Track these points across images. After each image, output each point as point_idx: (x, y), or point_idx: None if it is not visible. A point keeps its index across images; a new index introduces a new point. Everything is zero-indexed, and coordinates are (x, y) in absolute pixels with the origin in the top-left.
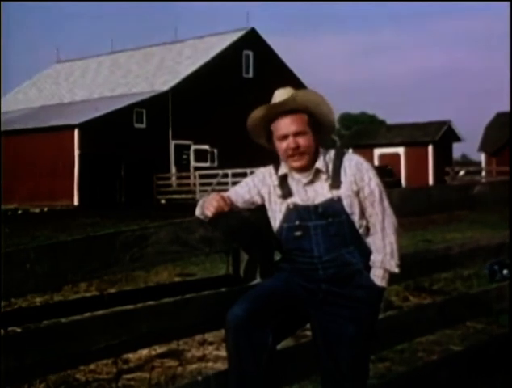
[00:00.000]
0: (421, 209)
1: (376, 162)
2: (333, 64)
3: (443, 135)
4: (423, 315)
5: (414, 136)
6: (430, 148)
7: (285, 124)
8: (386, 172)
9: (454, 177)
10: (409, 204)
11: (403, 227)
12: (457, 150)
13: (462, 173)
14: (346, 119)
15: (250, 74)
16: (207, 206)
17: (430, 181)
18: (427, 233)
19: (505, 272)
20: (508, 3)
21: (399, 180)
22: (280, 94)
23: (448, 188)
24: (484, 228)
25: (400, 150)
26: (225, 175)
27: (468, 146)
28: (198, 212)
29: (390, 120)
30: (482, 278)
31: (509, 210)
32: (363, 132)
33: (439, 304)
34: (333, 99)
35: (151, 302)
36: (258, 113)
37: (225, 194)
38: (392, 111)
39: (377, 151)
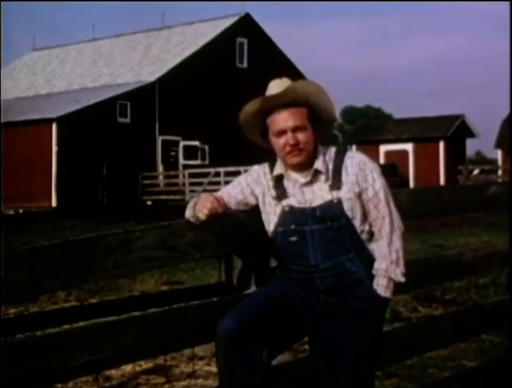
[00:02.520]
0: (431, 211)
1: (382, 160)
2: (335, 53)
3: (456, 130)
4: (434, 327)
5: (424, 131)
6: (442, 144)
7: (283, 119)
8: (391, 170)
9: (467, 176)
10: (418, 205)
11: (412, 231)
12: (471, 147)
13: (476, 172)
14: (350, 113)
15: (245, 64)
16: (199, 208)
17: (442, 181)
18: (438, 237)
19: None
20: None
21: (406, 180)
22: (276, 86)
23: (461, 188)
24: (501, 231)
25: (409, 147)
26: (217, 174)
27: (484, 143)
28: (188, 214)
29: (397, 114)
30: (499, 287)
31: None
32: (367, 127)
33: (452, 315)
34: (336, 91)
35: (136, 313)
36: (252, 106)
37: (218, 194)
38: (400, 104)
39: (383, 148)
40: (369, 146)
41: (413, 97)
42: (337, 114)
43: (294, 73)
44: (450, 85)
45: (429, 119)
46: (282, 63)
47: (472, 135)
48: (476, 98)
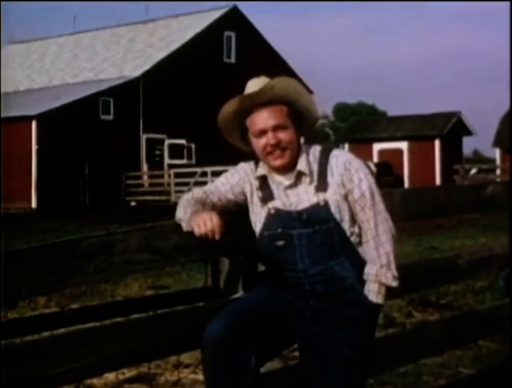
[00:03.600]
0: (426, 212)
1: (376, 159)
2: (327, 47)
3: (452, 128)
4: (429, 333)
5: (419, 129)
6: (437, 143)
7: (262, 118)
8: (386, 168)
9: (464, 176)
10: (412, 206)
11: (406, 233)
12: (468, 145)
13: (474, 171)
14: (342, 110)
15: (232, 59)
16: (198, 222)
17: (437, 180)
18: (434, 239)
19: None
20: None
21: (400, 178)
22: (254, 84)
23: (458, 189)
24: (499, 233)
25: (403, 145)
26: (204, 174)
27: (481, 141)
28: (180, 214)
29: (391, 111)
30: (497, 291)
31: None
32: (360, 124)
33: (448, 321)
34: (328, 88)
35: (119, 319)
36: (229, 107)
37: (214, 197)
38: (394, 100)
39: (377, 146)
40: (362, 145)
41: (407, 93)
42: (321, 112)
43: (284, 69)
44: (445, 81)
45: (424, 116)
46: (271, 58)
47: (468, 133)
48: (473, 94)
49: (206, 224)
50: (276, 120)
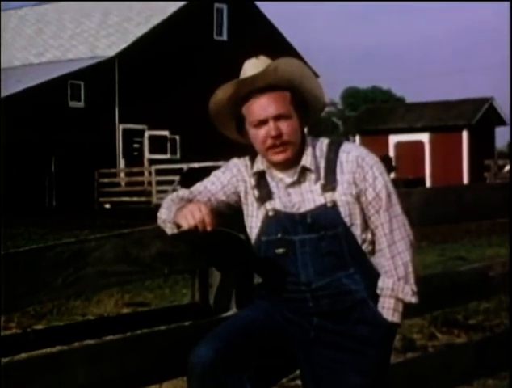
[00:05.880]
0: (450, 216)
1: (392, 153)
2: (334, 24)
3: (483, 117)
4: (456, 359)
5: (443, 118)
6: (465, 134)
7: (262, 106)
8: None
9: (497, 173)
10: (434, 209)
11: (428, 240)
12: (501, 137)
13: (507, 168)
14: (353, 95)
15: (224, 36)
16: (184, 214)
17: (465, 179)
18: (460, 247)
19: None
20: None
21: (420, 177)
22: (252, 66)
23: (488, 188)
24: None
25: (425, 137)
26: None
27: None
28: (163, 215)
29: (410, 98)
30: None
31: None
32: (374, 113)
33: (478, 344)
34: (336, 70)
35: (90, 341)
36: (223, 93)
37: (203, 198)
38: (414, 84)
39: (393, 138)
40: (376, 137)
41: (429, 77)
42: (328, 98)
43: (284, 49)
44: (475, 62)
45: (449, 103)
46: (270, 36)
47: (502, 122)
48: (506, 78)
49: (194, 215)
50: (278, 109)
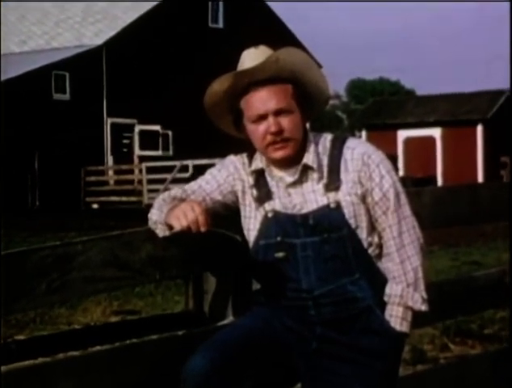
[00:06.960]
0: (464, 217)
1: (401, 149)
2: (341, 9)
3: (499, 110)
4: (469, 371)
5: (456, 112)
6: (480, 129)
7: (262, 99)
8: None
9: None
10: (446, 209)
11: (439, 243)
12: None
13: None
14: (358, 87)
15: (220, 24)
16: (176, 214)
17: (479, 177)
18: (475, 251)
19: None
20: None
21: (432, 176)
22: (252, 56)
23: (505, 187)
24: None
25: (436, 133)
26: (184, 169)
27: None
28: (154, 216)
29: (421, 90)
30: None
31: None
32: (381, 106)
33: (493, 355)
34: (340, 60)
35: (76, 352)
36: (220, 85)
37: (197, 198)
38: (424, 76)
39: (402, 134)
40: (383, 132)
41: (441, 67)
42: (332, 90)
43: (285, 38)
44: (490, 52)
45: (463, 95)
46: (269, 24)
47: None
48: None
49: (187, 215)
50: (279, 103)
